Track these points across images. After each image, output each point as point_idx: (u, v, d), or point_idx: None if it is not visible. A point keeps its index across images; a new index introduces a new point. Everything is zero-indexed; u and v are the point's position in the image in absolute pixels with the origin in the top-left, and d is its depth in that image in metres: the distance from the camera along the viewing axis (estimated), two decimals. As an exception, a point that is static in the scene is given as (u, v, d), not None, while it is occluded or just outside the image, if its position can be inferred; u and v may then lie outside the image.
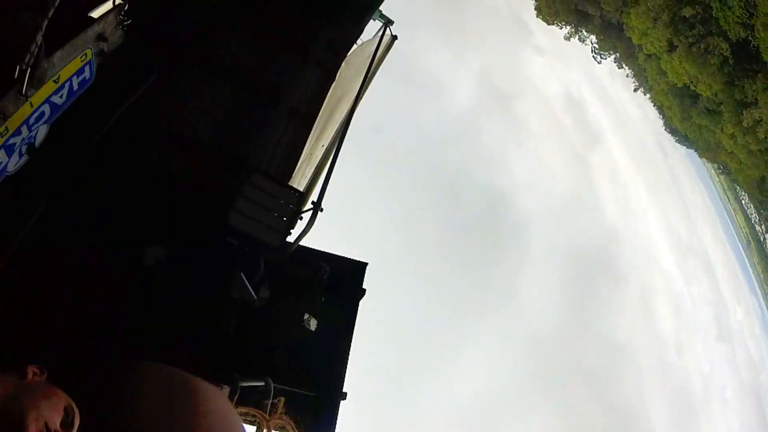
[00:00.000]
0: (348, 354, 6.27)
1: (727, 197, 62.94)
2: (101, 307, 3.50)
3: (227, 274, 4.08)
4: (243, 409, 1.18)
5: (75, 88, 3.21)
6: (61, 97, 3.10)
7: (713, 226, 68.10)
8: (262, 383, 4.61)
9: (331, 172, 4.69)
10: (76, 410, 1.52)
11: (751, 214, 57.11)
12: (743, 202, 58.20)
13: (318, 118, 4.87)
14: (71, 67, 3.07)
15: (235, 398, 4.45)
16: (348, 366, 6.32)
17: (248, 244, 4.27)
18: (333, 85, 5.20)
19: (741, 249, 63.53)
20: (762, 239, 55.60)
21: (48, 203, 3.75)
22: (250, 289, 4.57)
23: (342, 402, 6.14)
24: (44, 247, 3.65)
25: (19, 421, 1.39)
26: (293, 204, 4.48)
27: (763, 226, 54.09)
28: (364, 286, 6.81)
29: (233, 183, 4.17)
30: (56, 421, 1.46)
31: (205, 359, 4.16)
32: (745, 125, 31.70)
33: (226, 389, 4.38)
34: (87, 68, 3.25)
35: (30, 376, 1.53)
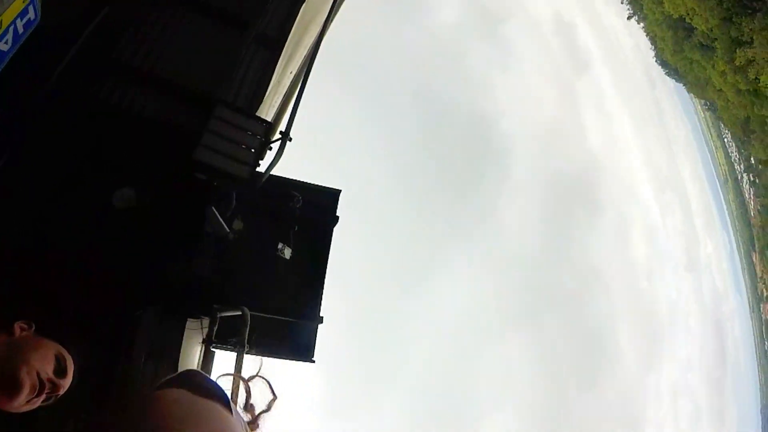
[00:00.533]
0: (323, 280, 6.50)
1: (710, 134, 63.51)
2: (78, 254, 3.50)
3: (199, 210, 4.10)
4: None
5: (20, 31, 2.98)
6: (6, 43, 2.90)
7: (693, 161, 69.41)
8: (239, 312, 4.81)
9: (300, 99, 4.58)
10: (68, 356, 1.56)
11: (732, 152, 58.18)
12: (725, 140, 58.95)
13: (287, 43, 4.65)
14: (13, 9, 2.83)
15: (215, 329, 4.67)
16: (324, 291, 6.59)
17: (217, 178, 4.25)
18: (303, 7, 4.92)
19: (718, 186, 65.36)
20: (739, 178, 57.07)
21: (10, 155, 3.61)
22: (223, 222, 4.63)
23: (320, 325, 6.48)
24: (11, 199, 3.56)
25: (12, 378, 1.42)
26: (261, 135, 4.41)
27: (742, 165, 55.28)
28: (338, 214, 6.92)
29: (199, 117, 4.04)
30: (48, 370, 1.49)
31: (185, 296, 4.28)
32: (737, 64, 31.16)
33: (206, 321, 4.58)
34: (31, 8, 3.00)
35: (18, 332, 1.55)
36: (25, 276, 3.32)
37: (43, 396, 1.49)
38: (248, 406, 1.05)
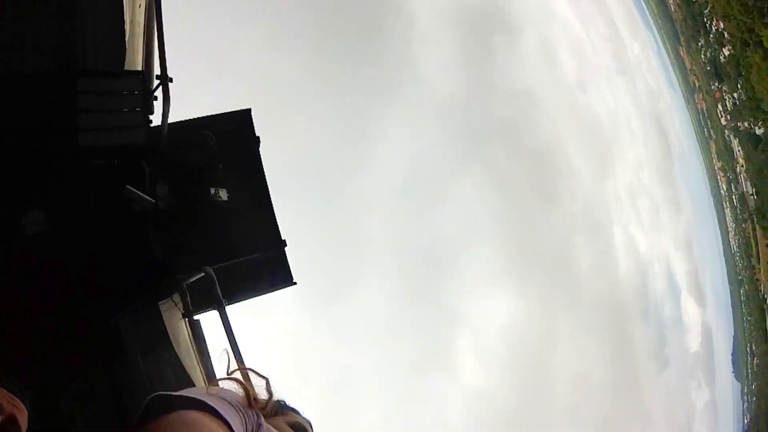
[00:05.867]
0: (271, 205, 6.55)
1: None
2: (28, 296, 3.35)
3: (114, 196, 3.91)
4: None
5: None
6: None
7: None
8: (203, 274, 4.91)
9: (162, 32, 4.12)
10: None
11: None
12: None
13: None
14: None
15: (188, 299, 4.80)
16: (275, 215, 6.70)
17: (116, 155, 3.98)
18: None
19: None
20: None
21: None
22: (144, 195, 4.46)
23: (286, 248, 6.73)
24: None
25: None
26: (138, 89, 4.05)
27: None
28: (257, 134, 6.71)
29: (67, 102, 3.58)
30: None
31: (145, 286, 4.29)
32: None
33: (177, 296, 4.68)
34: None
35: None
36: None
37: None
38: (252, 402, 1.14)
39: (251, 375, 1.24)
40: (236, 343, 4.65)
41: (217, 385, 1.20)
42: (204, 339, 4.92)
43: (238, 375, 1.23)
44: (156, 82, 4.25)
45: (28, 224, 3.42)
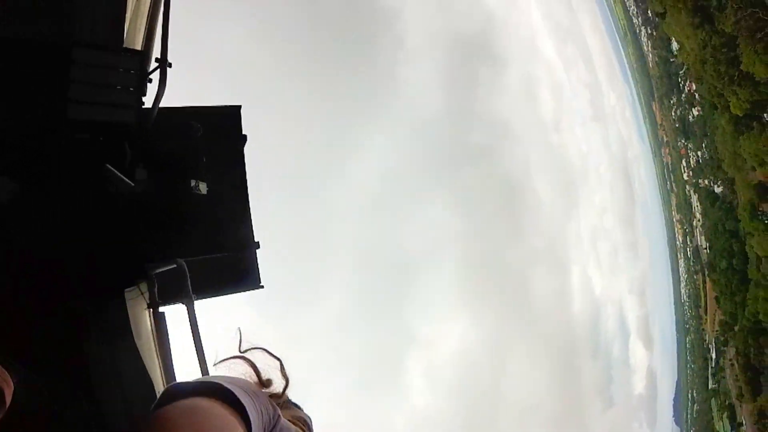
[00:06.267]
0: (248, 204, 6.45)
1: (608, -12, 66.43)
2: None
3: (94, 172, 3.78)
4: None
5: None
6: None
7: (593, 14, 72.45)
8: (174, 265, 4.76)
9: (168, 14, 4.07)
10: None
11: (630, 6, 61.96)
12: (623, -7, 62.88)
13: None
14: None
15: (156, 290, 4.65)
16: (251, 215, 6.60)
17: (102, 132, 3.86)
18: None
19: (618, 39, 70.25)
20: (638, 31, 61.57)
21: None
22: (124, 178, 4.33)
23: (258, 250, 6.62)
24: None
25: None
26: (135, 68, 3.96)
27: (639, 19, 59.50)
28: (244, 132, 6.64)
29: (59, 70, 3.46)
30: None
31: (113, 271, 4.14)
32: None
33: (144, 285, 4.52)
34: None
35: None
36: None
37: None
38: (264, 382, 1.08)
39: (264, 355, 1.16)
40: (200, 341, 4.51)
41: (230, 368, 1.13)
42: (167, 333, 4.75)
43: (246, 356, 1.15)
44: (154, 64, 4.17)
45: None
